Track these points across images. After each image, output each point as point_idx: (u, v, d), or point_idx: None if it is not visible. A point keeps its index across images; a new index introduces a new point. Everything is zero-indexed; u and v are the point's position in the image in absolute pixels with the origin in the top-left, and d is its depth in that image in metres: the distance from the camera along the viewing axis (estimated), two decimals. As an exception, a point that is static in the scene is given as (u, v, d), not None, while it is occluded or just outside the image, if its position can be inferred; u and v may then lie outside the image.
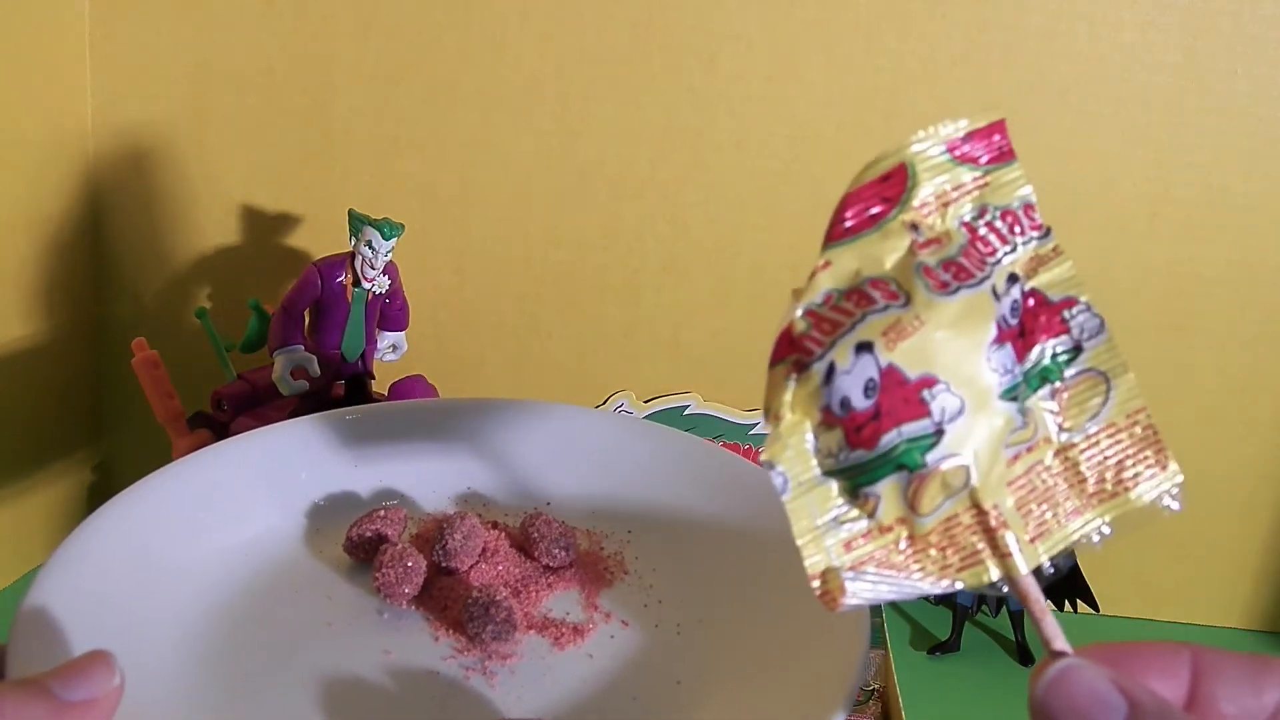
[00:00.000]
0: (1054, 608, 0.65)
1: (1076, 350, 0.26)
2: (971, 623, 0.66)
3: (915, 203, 0.27)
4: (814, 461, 0.26)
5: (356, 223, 0.54)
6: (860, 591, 0.25)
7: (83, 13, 0.63)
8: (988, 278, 0.26)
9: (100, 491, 0.69)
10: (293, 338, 0.55)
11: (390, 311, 0.58)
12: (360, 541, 0.38)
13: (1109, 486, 0.26)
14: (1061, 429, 0.26)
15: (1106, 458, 0.26)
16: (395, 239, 0.55)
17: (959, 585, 0.25)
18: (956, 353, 0.25)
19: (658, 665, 0.34)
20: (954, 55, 0.60)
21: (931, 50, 0.60)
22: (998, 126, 0.27)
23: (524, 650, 0.34)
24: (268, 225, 0.66)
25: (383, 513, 0.39)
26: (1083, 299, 0.26)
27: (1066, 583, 0.63)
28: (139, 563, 0.35)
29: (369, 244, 0.54)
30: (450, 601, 0.36)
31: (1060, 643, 0.24)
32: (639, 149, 0.63)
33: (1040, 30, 0.59)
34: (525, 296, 0.67)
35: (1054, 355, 0.26)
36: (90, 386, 0.69)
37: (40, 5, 0.60)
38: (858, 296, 0.26)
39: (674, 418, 0.66)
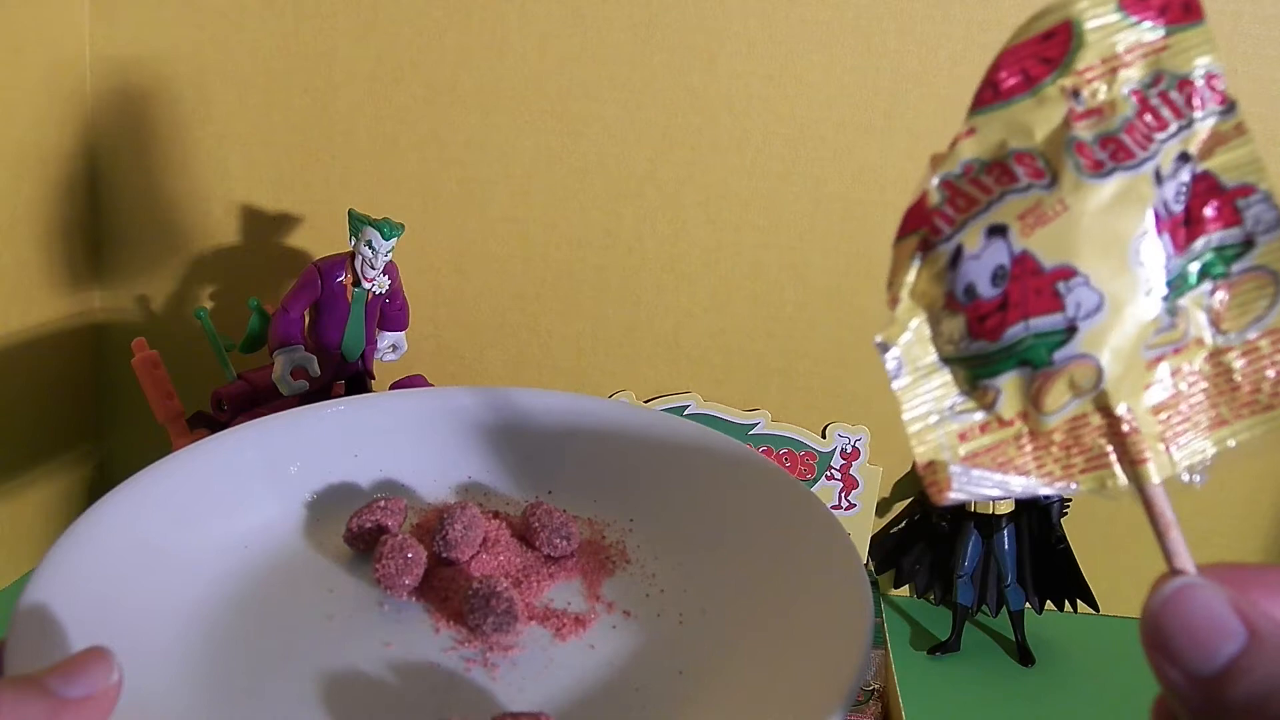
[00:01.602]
0: (1053, 607, 0.65)
1: (1248, 244, 0.23)
2: (971, 623, 0.66)
3: (1079, 66, 0.24)
4: (932, 346, 0.24)
5: (356, 223, 0.54)
6: (967, 485, 0.23)
7: (83, 12, 0.63)
8: (1151, 157, 0.23)
9: (100, 491, 0.68)
10: (293, 338, 0.55)
11: (390, 311, 0.58)
12: (360, 532, 0.38)
13: (1264, 398, 0.23)
14: (1218, 331, 0.24)
15: (1266, 366, 0.23)
16: (395, 239, 0.55)
17: (1079, 487, 0.24)
18: (1102, 243, 0.23)
19: (660, 656, 0.34)
20: (954, 55, 0.60)
21: (931, 50, 0.60)
22: None
23: (525, 641, 0.34)
24: (268, 225, 0.66)
25: (383, 503, 0.39)
26: (1262, 187, 0.23)
27: (1066, 583, 0.63)
28: (138, 556, 0.34)
29: (369, 244, 0.54)
30: (451, 592, 0.36)
31: (1184, 561, 0.22)
32: (639, 149, 0.63)
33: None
34: (525, 296, 0.67)
35: (1221, 248, 0.24)
36: (90, 387, 0.69)
37: (40, 5, 0.60)
38: (999, 171, 0.24)
39: (674, 418, 0.66)
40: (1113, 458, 0.23)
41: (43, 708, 0.23)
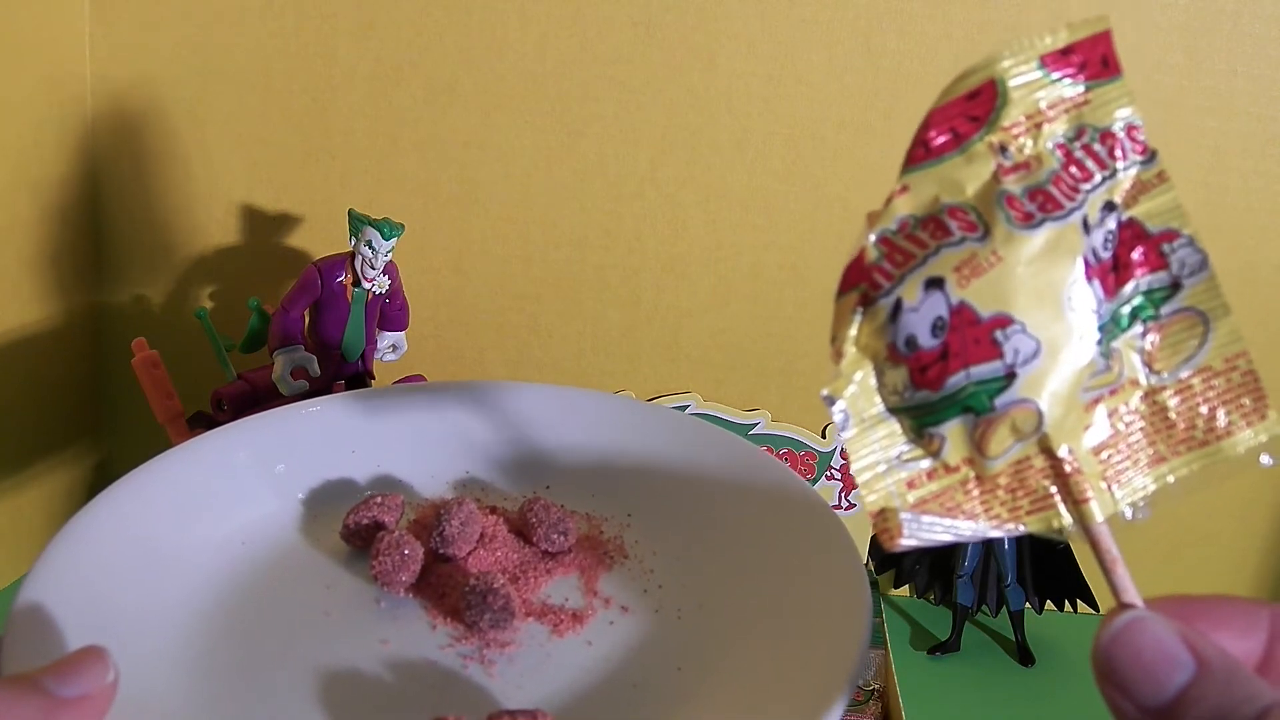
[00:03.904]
0: (1053, 607, 0.65)
1: (1175, 287, 0.24)
2: (971, 623, 0.66)
3: (1005, 123, 0.25)
4: (878, 397, 0.25)
5: (356, 223, 0.54)
6: (918, 532, 0.24)
7: (83, 12, 0.63)
8: (1079, 207, 0.24)
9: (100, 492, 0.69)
10: (293, 338, 0.55)
11: (390, 311, 0.58)
12: (357, 529, 0.38)
13: (1199, 434, 0.24)
14: (1151, 371, 0.24)
15: (1199, 403, 0.24)
16: (395, 239, 0.55)
17: (1025, 529, 0.24)
18: (1036, 291, 0.23)
19: (658, 652, 0.34)
20: (954, 55, 0.60)
21: (931, 50, 0.60)
22: (1101, 38, 0.25)
23: (522, 638, 0.34)
24: (268, 225, 0.66)
25: (380, 499, 0.39)
26: (1185, 231, 0.24)
27: (1066, 583, 0.63)
28: (134, 553, 0.34)
29: (369, 244, 0.54)
30: (448, 589, 0.36)
31: (1131, 595, 0.23)
32: (639, 149, 0.63)
33: (1040, 30, 0.59)
34: (525, 296, 0.67)
35: (1149, 291, 0.24)
36: (90, 387, 0.69)
37: (40, 5, 0.60)
38: (934, 226, 0.25)
39: (674, 418, 0.66)
40: (1057, 498, 0.24)
41: (38, 707, 0.23)
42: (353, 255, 0.55)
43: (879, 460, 0.25)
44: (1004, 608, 0.63)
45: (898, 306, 0.24)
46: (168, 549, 0.36)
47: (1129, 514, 0.24)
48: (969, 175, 0.25)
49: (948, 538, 0.24)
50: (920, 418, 0.25)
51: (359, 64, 0.63)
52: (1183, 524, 0.65)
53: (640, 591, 0.37)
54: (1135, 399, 0.24)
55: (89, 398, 0.69)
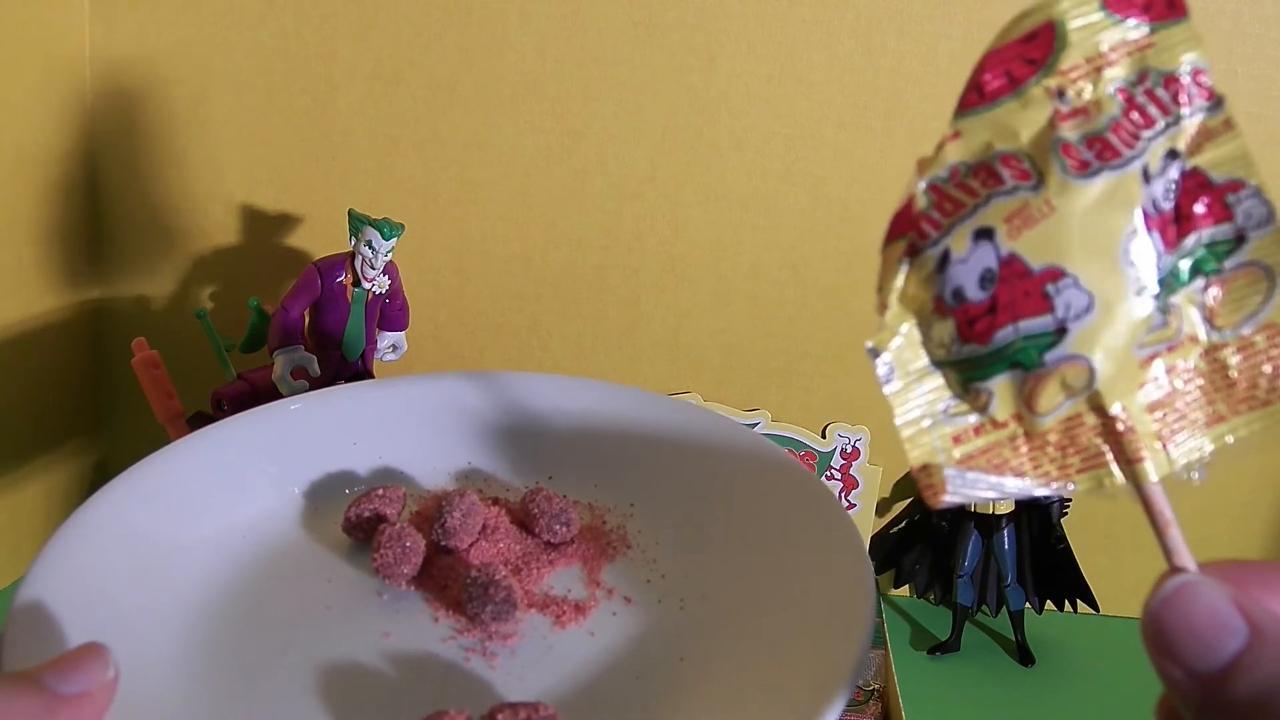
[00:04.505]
0: (1053, 607, 0.65)
1: (1239, 240, 0.23)
2: (971, 623, 0.66)
3: (1063, 66, 0.23)
4: (923, 350, 0.24)
5: (356, 223, 0.54)
6: (962, 489, 0.23)
7: (83, 12, 0.63)
8: (1139, 155, 0.23)
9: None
10: (293, 338, 0.55)
11: (390, 311, 0.58)
12: (359, 521, 0.38)
13: (1261, 393, 0.23)
14: (1212, 327, 0.23)
15: (1262, 361, 0.23)
16: (395, 239, 0.55)
17: (1076, 487, 0.23)
18: (1091, 243, 0.23)
19: (661, 642, 0.33)
20: (954, 55, 0.60)
21: (931, 50, 0.60)
22: None
23: (525, 630, 0.34)
24: (268, 225, 0.66)
25: (381, 492, 0.38)
26: (1252, 182, 0.23)
27: (1066, 583, 0.63)
28: (134, 549, 0.34)
29: (369, 244, 0.54)
30: (450, 581, 0.36)
31: (1184, 558, 0.22)
32: (639, 149, 0.63)
33: (1040, 30, 0.59)
34: (525, 296, 0.67)
35: (1212, 244, 0.23)
36: (90, 387, 0.69)
37: (40, 4, 0.60)
38: (985, 174, 0.24)
39: (674, 418, 0.66)
40: (1109, 457, 0.23)
41: (39, 704, 0.23)
42: (353, 255, 0.55)
43: (924, 415, 0.24)
44: (1004, 608, 0.63)
45: (945, 257, 0.24)
46: (168, 544, 0.35)
47: (1185, 475, 0.23)
48: (1024, 121, 0.24)
49: (992, 494, 0.23)
50: (967, 372, 0.24)
51: (359, 64, 0.63)
52: (1182, 525, 0.65)
53: (643, 582, 0.36)
54: (1194, 355, 0.23)
55: (89, 397, 0.69)
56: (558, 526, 0.38)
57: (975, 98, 0.24)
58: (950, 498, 0.23)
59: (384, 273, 0.56)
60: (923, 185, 0.24)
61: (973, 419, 0.24)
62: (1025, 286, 0.23)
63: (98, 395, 0.69)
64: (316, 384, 0.56)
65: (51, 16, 0.61)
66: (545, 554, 0.37)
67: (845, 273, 0.64)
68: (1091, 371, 0.23)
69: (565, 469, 0.42)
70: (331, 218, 0.65)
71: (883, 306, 0.24)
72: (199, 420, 0.57)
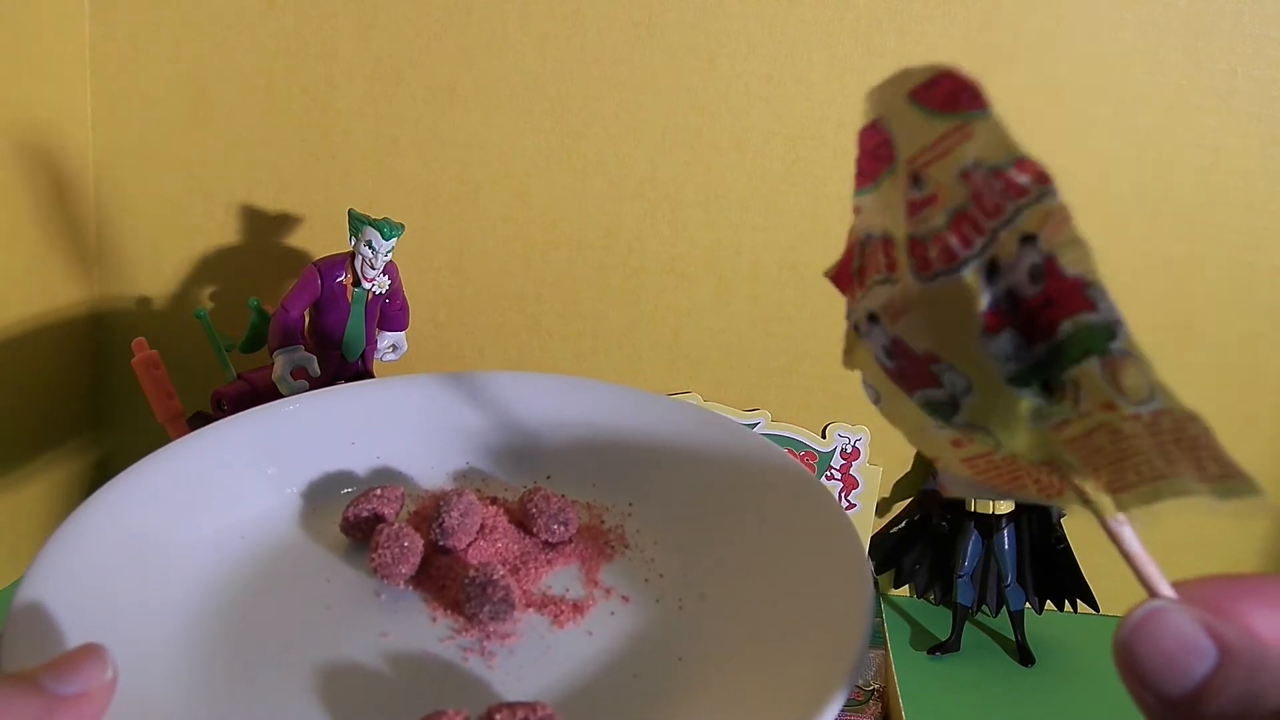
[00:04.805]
0: (1053, 607, 0.65)
1: (1111, 331, 0.23)
2: (971, 623, 0.66)
3: (907, 155, 0.24)
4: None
5: (356, 223, 0.54)
6: (961, 486, 0.24)
7: (83, 12, 0.63)
8: (985, 247, 0.22)
9: (100, 491, 0.69)
10: (293, 338, 0.55)
11: (390, 311, 0.58)
12: (357, 521, 0.38)
13: (1211, 473, 0.22)
14: (1124, 397, 0.22)
15: (1166, 440, 0.22)
16: (395, 239, 0.55)
17: (1067, 500, 0.23)
18: (949, 336, 0.23)
19: (659, 642, 0.33)
20: (954, 55, 0.59)
21: (931, 50, 0.60)
22: (947, 76, 0.23)
23: (523, 629, 0.34)
24: (268, 225, 0.66)
25: (379, 491, 0.38)
26: (1094, 279, 0.23)
27: (1066, 583, 0.63)
28: (132, 549, 0.34)
29: (369, 244, 0.54)
30: (448, 581, 0.36)
31: (1160, 586, 0.22)
32: (639, 149, 0.63)
33: (1040, 30, 0.59)
34: (525, 296, 0.67)
35: (1091, 327, 0.23)
36: (90, 387, 0.69)
37: (40, 5, 0.60)
38: (878, 252, 0.25)
39: (674, 418, 0.66)
40: (1070, 490, 0.23)
41: (37, 705, 0.23)
42: (353, 255, 0.55)
43: (917, 427, 0.25)
44: (1004, 608, 0.63)
45: (857, 329, 0.25)
46: (166, 544, 0.35)
47: (1146, 511, 0.23)
48: (889, 207, 0.24)
49: (994, 495, 0.24)
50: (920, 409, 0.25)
51: (359, 64, 0.63)
52: (1180, 526, 0.65)
53: (641, 581, 0.36)
54: (1115, 419, 0.23)
55: (89, 397, 0.69)
56: (556, 526, 0.38)
57: (860, 178, 0.25)
58: (954, 491, 0.24)
59: (384, 273, 0.56)
60: (856, 248, 0.25)
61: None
62: (914, 365, 0.24)
63: (98, 395, 0.69)
64: (316, 384, 0.56)
65: (52, 17, 0.61)
66: (543, 554, 0.37)
67: (845, 273, 0.64)
68: (996, 440, 0.23)
69: (564, 469, 0.42)
70: (331, 218, 0.65)
71: (845, 352, 0.26)
72: (199, 420, 0.57)
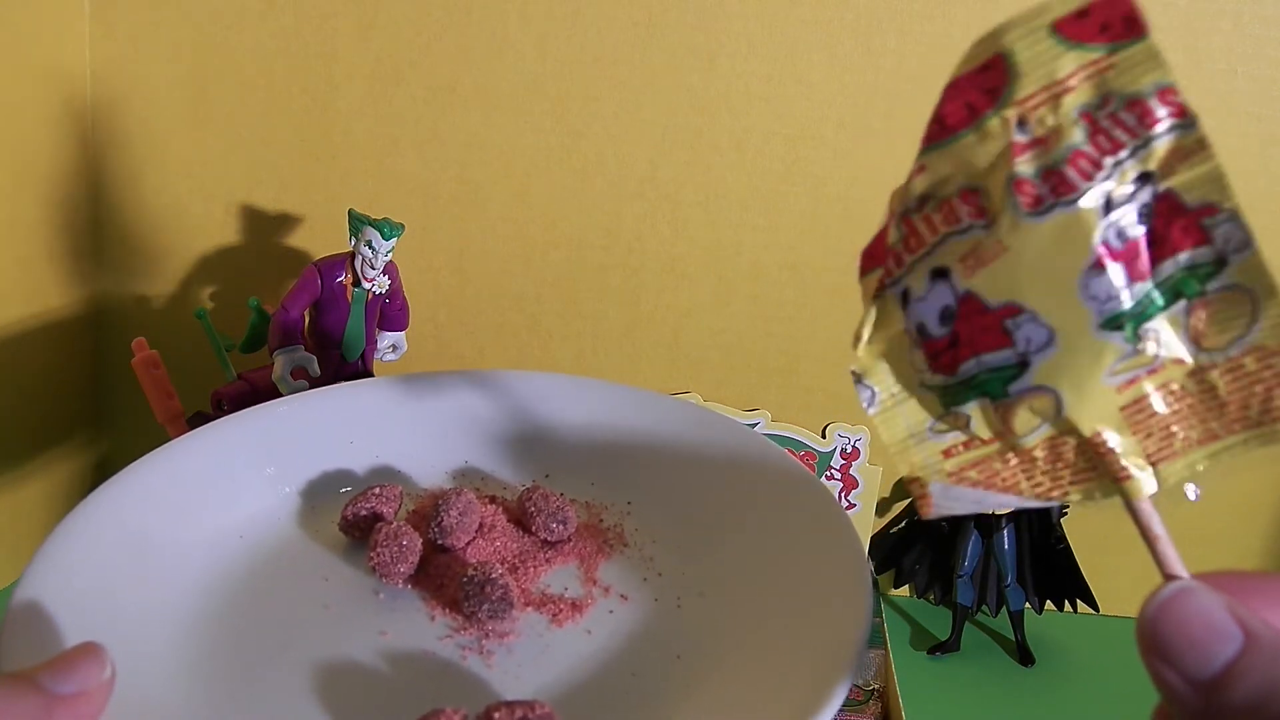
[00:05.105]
0: (1053, 607, 0.65)
1: (1219, 263, 0.23)
2: (971, 623, 0.66)
3: (1020, 95, 0.23)
4: (906, 372, 0.25)
5: (356, 223, 0.54)
6: (954, 501, 0.24)
7: (83, 12, 0.63)
8: (1100, 183, 0.22)
9: (100, 491, 0.69)
10: (293, 338, 0.55)
11: (390, 311, 0.58)
12: (356, 520, 0.38)
13: (1254, 414, 0.23)
14: (1200, 349, 0.23)
15: (1253, 383, 0.23)
16: (395, 239, 0.55)
17: (1070, 498, 0.24)
18: (1046, 280, 0.22)
19: (657, 640, 0.33)
20: (954, 55, 0.60)
21: (931, 50, 0.60)
22: (1100, 3, 0.22)
23: (521, 628, 0.34)
24: (268, 225, 0.66)
25: (378, 490, 0.38)
26: (1226, 206, 0.23)
27: (1066, 583, 0.63)
28: (130, 549, 0.34)
29: (369, 244, 0.54)
30: (446, 580, 0.36)
31: (1176, 567, 0.22)
32: (639, 149, 0.63)
33: (1040, 30, 0.59)
34: (525, 296, 0.67)
35: (1191, 267, 0.23)
36: (90, 387, 0.69)
37: (40, 5, 0.60)
38: (946, 211, 0.24)
39: (674, 418, 0.66)
40: (1098, 473, 0.23)
41: (35, 704, 0.23)
42: (353, 255, 0.55)
43: (910, 434, 0.25)
44: (1004, 608, 0.63)
45: (905, 295, 0.24)
46: (165, 544, 0.36)
47: (1181, 491, 0.23)
48: (982, 155, 0.23)
49: (979, 508, 0.24)
50: (943, 397, 0.24)
51: (359, 64, 0.63)
52: (1182, 525, 0.65)
53: (640, 580, 0.36)
54: (1181, 377, 0.23)
55: (89, 397, 0.69)
56: (555, 525, 0.38)
57: (937, 130, 0.24)
58: (937, 510, 0.24)
59: (384, 273, 0.56)
60: (896, 216, 0.25)
61: (960, 435, 0.25)
62: (984, 322, 0.23)
63: (98, 395, 0.69)
64: (316, 384, 0.56)
65: (53, 16, 0.61)
66: (542, 552, 0.38)
67: (845, 273, 0.64)
68: (1059, 402, 0.23)
69: (562, 468, 0.42)
70: (331, 218, 0.65)
71: (856, 339, 0.25)
72: (199, 420, 0.57)
